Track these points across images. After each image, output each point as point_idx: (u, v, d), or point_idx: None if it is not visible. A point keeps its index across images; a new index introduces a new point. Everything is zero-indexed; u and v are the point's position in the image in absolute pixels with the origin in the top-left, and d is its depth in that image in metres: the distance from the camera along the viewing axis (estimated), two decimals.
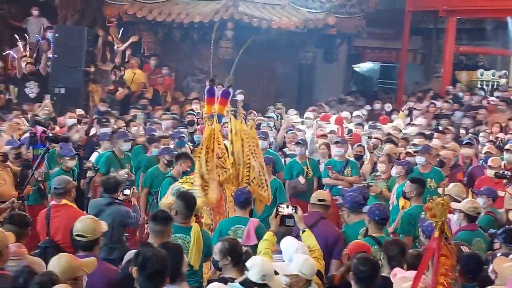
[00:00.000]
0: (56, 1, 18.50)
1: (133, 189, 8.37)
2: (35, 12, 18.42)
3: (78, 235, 5.78)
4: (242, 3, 17.36)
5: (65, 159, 10.19)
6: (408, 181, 8.86)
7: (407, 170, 9.81)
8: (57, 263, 5.07)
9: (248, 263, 5.33)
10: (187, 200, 6.97)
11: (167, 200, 7.73)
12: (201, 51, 18.46)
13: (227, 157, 8.21)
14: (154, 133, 12.09)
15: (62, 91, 15.39)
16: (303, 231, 6.41)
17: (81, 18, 18.63)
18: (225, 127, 9.22)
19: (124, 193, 8.30)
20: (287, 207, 6.48)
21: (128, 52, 18.23)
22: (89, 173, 9.64)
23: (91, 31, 16.51)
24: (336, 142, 11.57)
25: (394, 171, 10.02)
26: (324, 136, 12.71)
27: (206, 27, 17.40)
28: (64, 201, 7.30)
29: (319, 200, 7.58)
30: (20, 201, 8.28)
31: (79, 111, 13.93)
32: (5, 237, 5.59)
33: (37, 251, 6.51)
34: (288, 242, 6.01)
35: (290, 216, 6.41)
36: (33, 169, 8.89)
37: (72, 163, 10.18)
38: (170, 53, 18.82)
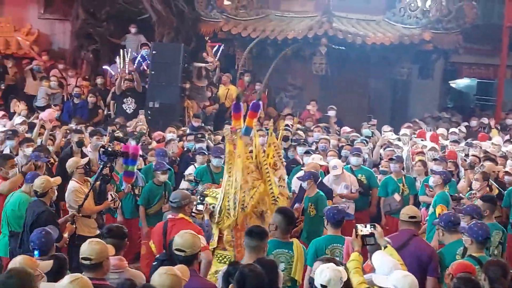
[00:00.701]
0: (153, 18, 18.89)
1: (206, 204, 8.34)
2: (133, 29, 18.86)
3: (177, 250, 5.83)
4: (337, 19, 17.28)
5: (157, 173, 10.37)
6: (480, 200, 8.65)
7: (444, 179, 9.99)
8: (164, 277, 5.13)
9: (321, 281, 5.26)
10: (287, 215, 6.94)
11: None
12: (295, 67, 18.52)
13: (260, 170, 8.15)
14: None
15: (157, 105, 15.67)
16: (385, 247, 6.29)
17: (177, 35, 18.97)
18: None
19: (198, 208, 8.33)
20: (365, 226, 6.41)
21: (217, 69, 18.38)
22: (185, 185, 9.75)
23: (186, 48, 16.79)
24: (435, 160, 11.36)
25: (432, 180, 10.19)
26: (421, 153, 12.48)
27: (300, 43, 17.41)
28: (180, 215, 7.40)
29: (410, 217, 7.39)
30: (79, 215, 8.59)
31: (183, 128, 14.19)
32: (106, 249, 5.73)
33: (154, 263, 6.58)
34: (381, 258, 5.93)
35: (370, 235, 6.33)
36: (92, 183, 9.14)
37: (164, 177, 10.35)
38: (264, 69, 18.91)
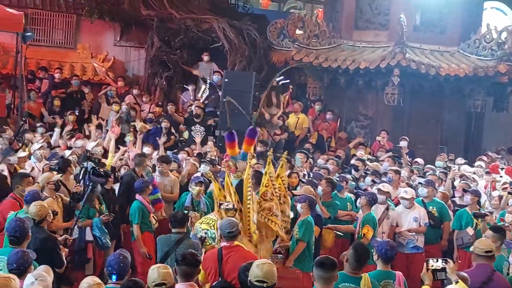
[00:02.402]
0: (225, 47, 19.12)
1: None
2: (205, 57, 19.13)
3: (258, 281, 5.78)
4: (410, 49, 17.13)
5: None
6: (489, 230, 8.63)
7: (369, 200, 10.35)
8: None
9: None
10: (357, 251, 6.87)
11: None
12: (366, 97, 18.43)
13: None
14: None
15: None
16: (456, 282, 6.21)
17: (248, 63, 19.14)
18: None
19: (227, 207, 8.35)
20: (437, 260, 6.36)
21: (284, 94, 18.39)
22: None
23: (258, 76, 16.90)
24: (511, 194, 11.11)
25: (358, 201, 10.65)
26: (505, 189, 12.24)
27: (372, 74, 17.33)
28: (236, 243, 7.38)
29: (486, 251, 7.21)
30: (71, 238, 8.65)
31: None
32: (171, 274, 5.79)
33: None
34: None
35: (442, 270, 6.29)
36: (82, 204, 9.28)
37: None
38: (335, 98, 18.89)
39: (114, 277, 6.26)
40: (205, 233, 8.09)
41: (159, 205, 10.98)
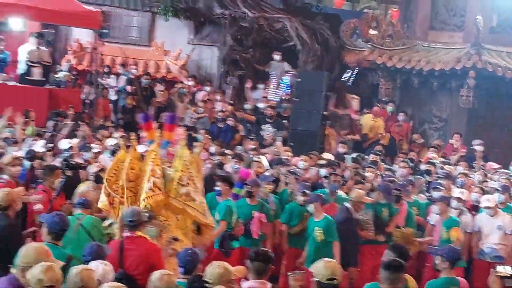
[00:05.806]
0: (297, 46, 19.09)
1: None
2: (277, 57, 19.14)
3: (329, 279, 5.76)
4: (486, 51, 16.80)
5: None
6: None
7: (446, 203, 10.35)
8: None
9: None
10: (397, 251, 6.75)
11: None
12: (440, 99, 18.14)
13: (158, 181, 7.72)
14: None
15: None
16: None
17: (320, 63, 19.08)
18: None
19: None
20: (505, 267, 6.18)
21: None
22: None
23: (330, 76, 16.85)
24: None
25: (436, 208, 10.48)
26: None
27: (447, 75, 17.08)
28: (138, 233, 7.17)
29: None
30: None
31: (328, 155, 14.11)
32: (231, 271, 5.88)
33: None
34: None
35: (511, 277, 6.10)
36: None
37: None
38: (408, 100, 18.65)
39: (180, 270, 6.35)
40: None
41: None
